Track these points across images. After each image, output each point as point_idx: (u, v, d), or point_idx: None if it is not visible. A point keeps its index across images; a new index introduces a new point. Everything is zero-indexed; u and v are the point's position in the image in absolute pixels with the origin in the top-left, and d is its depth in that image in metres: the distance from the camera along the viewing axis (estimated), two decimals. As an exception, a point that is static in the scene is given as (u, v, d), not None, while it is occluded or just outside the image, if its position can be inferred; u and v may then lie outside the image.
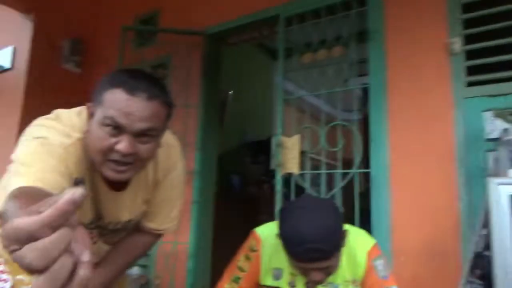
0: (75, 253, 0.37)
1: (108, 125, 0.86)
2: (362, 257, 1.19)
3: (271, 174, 4.15)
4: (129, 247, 1.18)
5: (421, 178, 1.91)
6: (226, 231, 3.28)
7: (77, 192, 0.36)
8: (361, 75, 2.26)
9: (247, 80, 4.47)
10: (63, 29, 3.63)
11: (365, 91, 3.66)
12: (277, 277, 1.23)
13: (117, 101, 0.86)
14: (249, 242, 1.29)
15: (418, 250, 1.86)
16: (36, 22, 3.47)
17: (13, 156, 0.85)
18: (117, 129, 0.86)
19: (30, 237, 0.34)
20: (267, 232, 1.28)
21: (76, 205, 0.36)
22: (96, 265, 1.13)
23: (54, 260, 0.34)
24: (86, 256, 0.37)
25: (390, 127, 2.02)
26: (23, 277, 1.12)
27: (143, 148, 0.90)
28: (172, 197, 1.17)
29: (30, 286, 1.11)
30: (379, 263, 1.21)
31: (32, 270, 0.34)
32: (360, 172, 2.07)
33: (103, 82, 0.91)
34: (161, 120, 0.92)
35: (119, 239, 1.19)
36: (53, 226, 0.35)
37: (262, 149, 4.50)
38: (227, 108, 3.96)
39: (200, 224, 2.71)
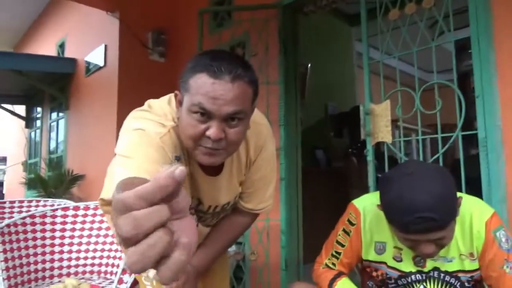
0: (176, 234, 0.36)
1: (196, 112, 0.86)
2: (480, 228, 1.05)
3: (356, 147, 4.00)
4: (229, 228, 1.21)
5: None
6: (316, 207, 3.25)
7: (177, 169, 0.35)
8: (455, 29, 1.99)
9: (325, 51, 4.29)
10: (146, 23, 3.84)
11: (459, 48, 3.28)
12: (380, 251, 1.15)
13: (202, 87, 0.85)
14: (348, 216, 1.22)
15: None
16: (121, 19, 3.71)
17: (116, 149, 0.89)
18: (206, 115, 0.86)
19: (126, 208, 0.34)
20: (366, 204, 1.20)
21: (174, 181, 0.35)
22: (198, 247, 1.17)
23: (145, 232, 0.34)
24: (185, 238, 0.36)
25: (500, 81, 1.75)
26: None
27: (233, 131, 0.89)
28: (266, 176, 1.16)
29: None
30: (502, 234, 1.05)
31: (123, 239, 0.34)
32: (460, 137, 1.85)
33: (187, 69, 0.90)
34: (248, 100, 0.90)
35: (218, 221, 1.21)
36: (147, 199, 0.35)
37: (345, 122, 4.33)
38: (308, 81, 3.85)
39: (289, 200, 2.70)
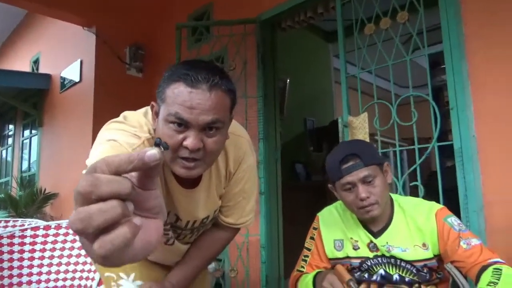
0: (131, 216, 0.36)
1: (173, 122, 0.83)
2: (429, 219, 1.16)
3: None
4: (208, 244, 1.18)
5: (516, 146, 1.68)
6: (296, 221, 3.22)
7: (150, 151, 0.36)
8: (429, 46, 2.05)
9: (304, 66, 4.35)
10: (123, 38, 3.80)
11: (432, 64, 3.39)
12: (339, 248, 1.26)
13: (179, 96, 0.82)
14: (312, 224, 1.36)
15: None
16: (98, 34, 3.66)
17: (87, 160, 0.86)
18: (183, 125, 0.83)
19: (93, 171, 0.35)
20: (325, 209, 1.37)
21: (143, 160, 0.36)
22: (177, 264, 1.14)
23: (100, 194, 0.34)
24: (138, 221, 0.36)
25: (473, 92, 1.80)
26: (111, 273, 1.14)
27: (211, 141, 0.86)
28: (246, 189, 1.13)
29: (120, 281, 1.13)
30: (452, 219, 1.15)
31: (76, 194, 0.35)
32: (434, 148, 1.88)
33: (163, 78, 0.88)
34: (226, 110, 0.87)
35: (197, 237, 1.17)
36: (112, 167, 0.36)
37: (324, 136, 4.37)
38: (287, 96, 3.88)
39: (269, 215, 2.66)
